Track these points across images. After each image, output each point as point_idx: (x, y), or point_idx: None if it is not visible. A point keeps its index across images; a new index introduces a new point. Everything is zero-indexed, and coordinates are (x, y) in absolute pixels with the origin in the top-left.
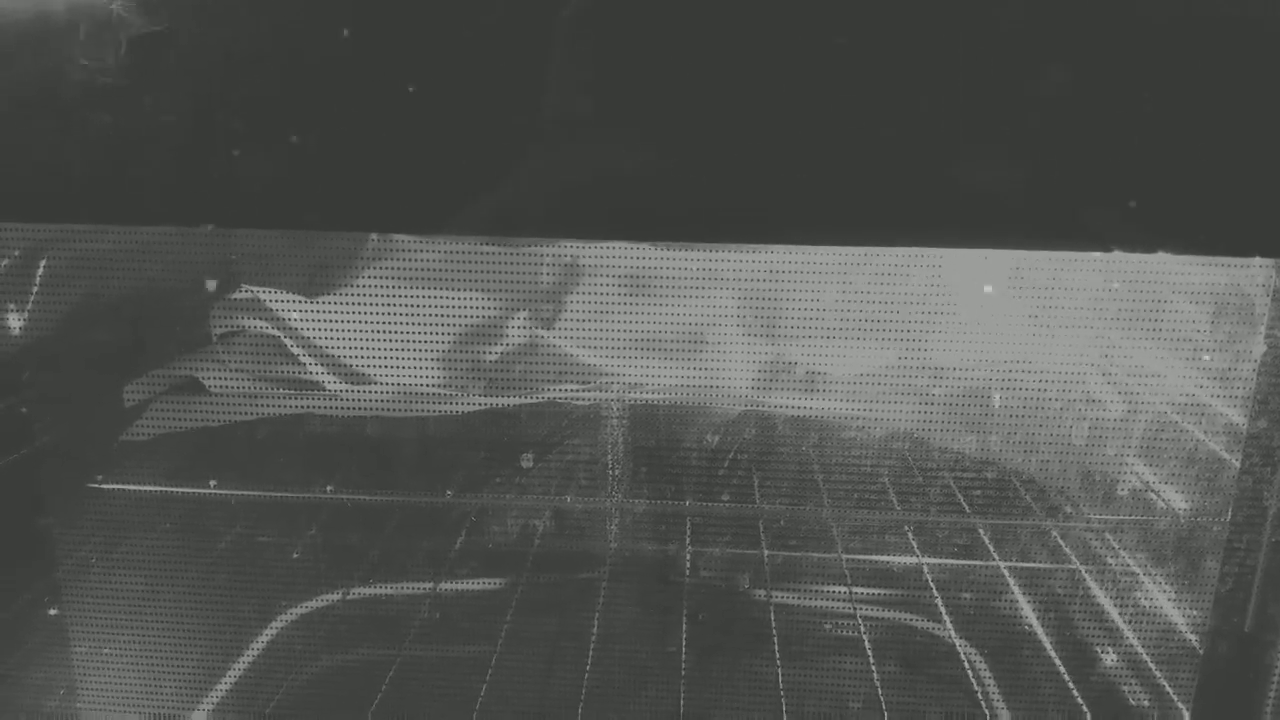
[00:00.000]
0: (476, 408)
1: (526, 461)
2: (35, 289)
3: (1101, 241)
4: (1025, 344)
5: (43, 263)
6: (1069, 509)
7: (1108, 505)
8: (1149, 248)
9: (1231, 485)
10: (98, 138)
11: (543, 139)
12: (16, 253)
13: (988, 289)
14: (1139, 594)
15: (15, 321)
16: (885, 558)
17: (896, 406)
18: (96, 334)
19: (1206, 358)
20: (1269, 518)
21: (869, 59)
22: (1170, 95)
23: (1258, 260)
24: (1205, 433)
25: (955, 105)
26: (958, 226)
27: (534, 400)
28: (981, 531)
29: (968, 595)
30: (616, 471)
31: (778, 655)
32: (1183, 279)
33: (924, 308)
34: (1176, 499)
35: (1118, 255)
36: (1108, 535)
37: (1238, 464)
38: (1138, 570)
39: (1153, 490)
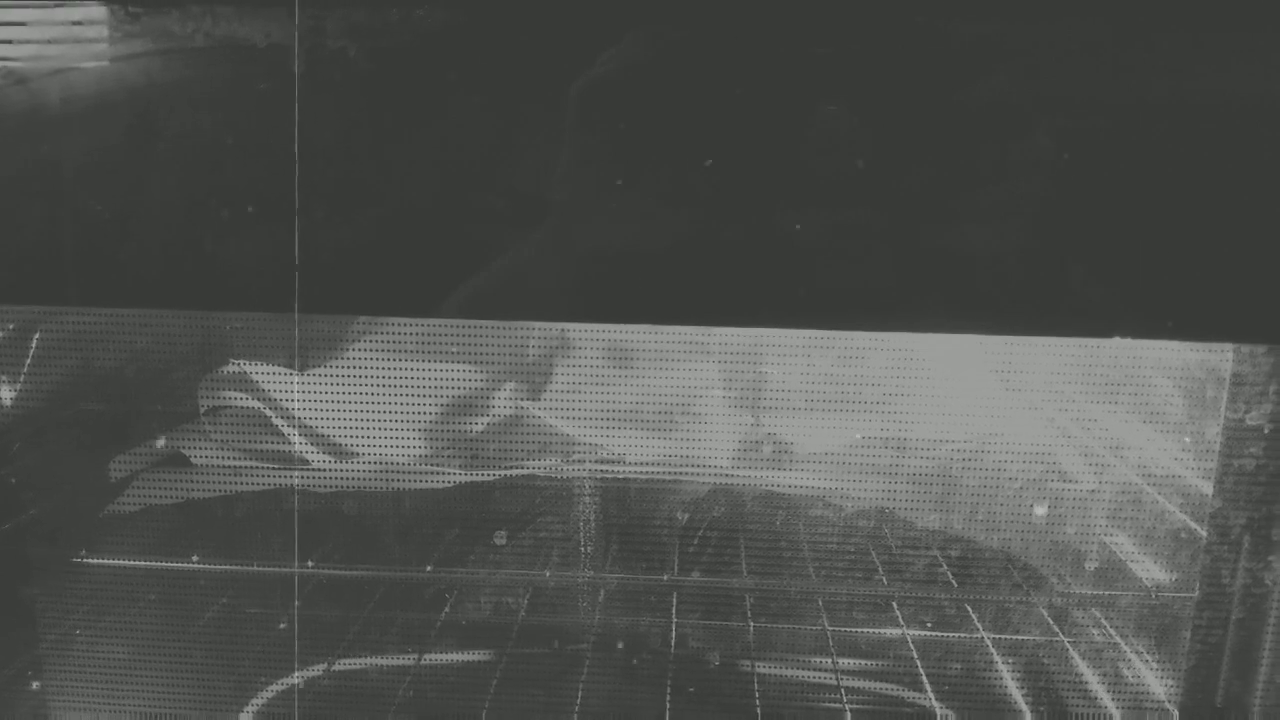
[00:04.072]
0: (464, 480)
1: (500, 539)
2: (28, 361)
3: (1094, 328)
4: (999, 419)
5: (36, 337)
6: (1054, 583)
7: (1079, 579)
8: (1136, 333)
9: (1196, 562)
10: (87, 223)
11: (532, 225)
12: (11, 325)
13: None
14: (1121, 666)
15: (7, 393)
16: (873, 630)
17: (876, 480)
18: (86, 407)
19: (1170, 436)
20: (1234, 594)
21: (852, 149)
22: (1150, 189)
23: (1223, 345)
24: (1175, 509)
25: (947, 191)
26: (956, 313)
27: (519, 472)
28: (953, 606)
29: (955, 666)
30: (603, 545)
31: None
32: (1148, 358)
33: (917, 382)
34: (1149, 574)
35: (1116, 340)
36: (1080, 609)
37: (1203, 541)
38: (1119, 642)
39: (1126, 565)
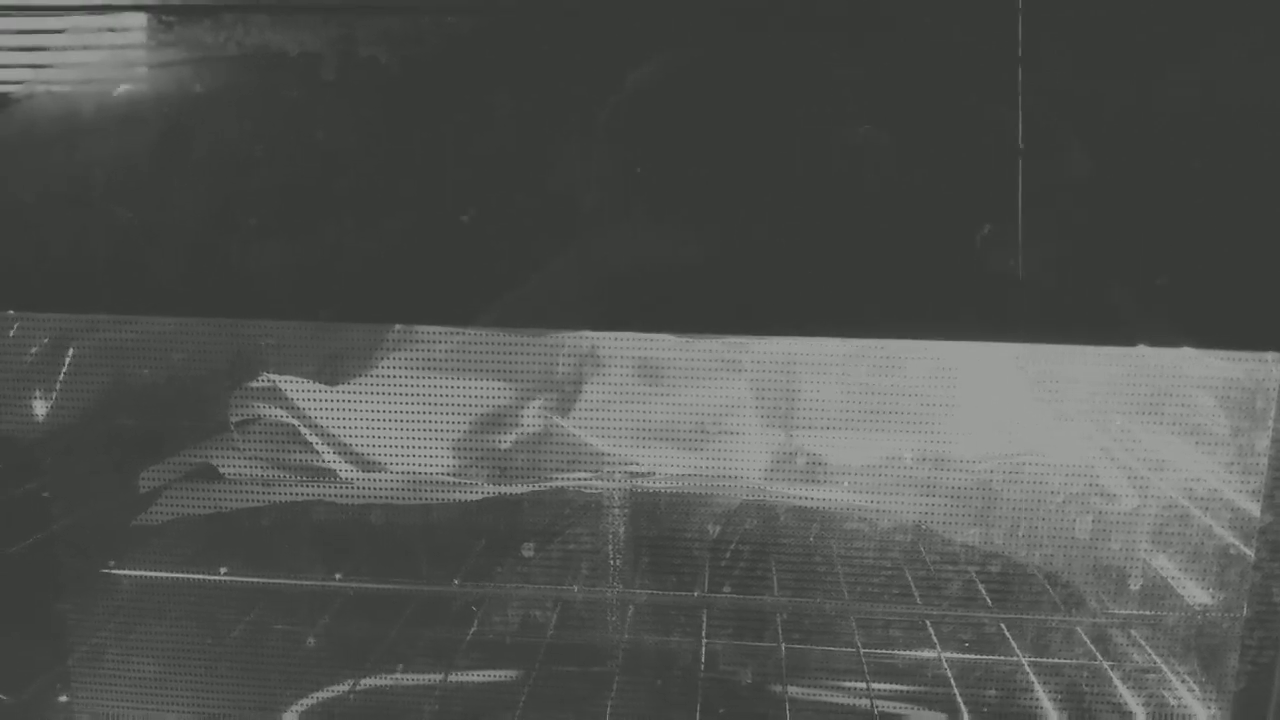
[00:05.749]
0: (492, 493)
1: (528, 551)
2: (62, 375)
3: (1126, 336)
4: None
5: (71, 350)
6: (1091, 603)
7: (1121, 599)
8: (1171, 342)
9: (1244, 580)
10: (119, 231)
11: (563, 231)
12: (46, 340)
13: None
14: (1163, 690)
15: (41, 407)
16: (906, 652)
17: (910, 497)
18: (118, 419)
19: (1217, 450)
20: None
21: (881, 155)
22: (1190, 189)
23: (1269, 355)
24: (1220, 526)
25: (977, 198)
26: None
27: (548, 486)
28: (991, 626)
29: (991, 691)
30: (633, 560)
31: None
32: (1191, 371)
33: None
34: (1193, 593)
35: (1141, 349)
36: (1122, 630)
37: (1251, 558)
38: (1160, 665)
39: (1169, 584)
